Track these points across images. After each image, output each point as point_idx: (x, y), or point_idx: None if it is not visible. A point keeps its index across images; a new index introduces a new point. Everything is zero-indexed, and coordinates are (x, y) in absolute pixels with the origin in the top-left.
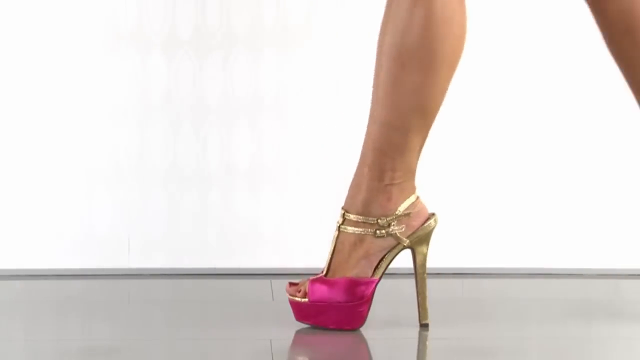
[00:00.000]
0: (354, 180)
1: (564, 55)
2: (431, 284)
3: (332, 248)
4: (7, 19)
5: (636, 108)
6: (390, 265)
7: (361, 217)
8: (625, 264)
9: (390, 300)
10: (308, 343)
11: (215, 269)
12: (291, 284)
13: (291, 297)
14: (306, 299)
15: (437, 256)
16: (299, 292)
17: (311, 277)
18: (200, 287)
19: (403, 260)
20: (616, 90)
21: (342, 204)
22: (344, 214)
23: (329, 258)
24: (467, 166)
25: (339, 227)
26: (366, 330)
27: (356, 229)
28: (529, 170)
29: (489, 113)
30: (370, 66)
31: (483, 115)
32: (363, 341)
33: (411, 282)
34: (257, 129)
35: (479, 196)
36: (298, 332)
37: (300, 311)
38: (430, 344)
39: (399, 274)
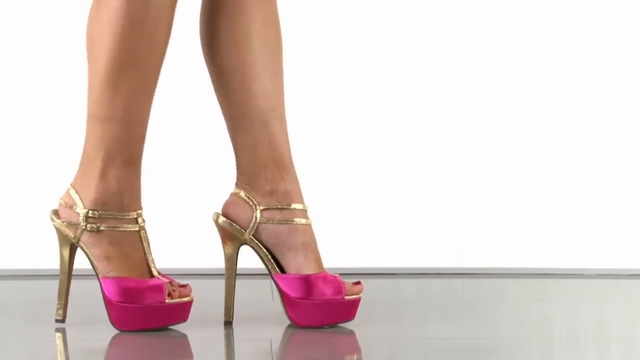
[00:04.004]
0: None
1: (564, 56)
2: (431, 283)
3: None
4: (11, 19)
5: (637, 108)
6: (389, 265)
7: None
8: (625, 264)
9: (390, 300)
10: (308, 343)
11: (215, 269)
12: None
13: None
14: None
15: (436, 256)
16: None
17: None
18: (200, 287)
19: (402, 260)
20: (616, 90)
21: (341, 204)
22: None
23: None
24: (468, 166)
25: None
26: (366, 330)
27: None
28: (529, 171)
29: (489, 113)
30: (368, 65)
31: (484, 116)
32: (363, 341)
33: (411, 282)
34: None
35: (479, 196)
36: (298, 332)
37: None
38: (430, 344)
39: (399, 274)
